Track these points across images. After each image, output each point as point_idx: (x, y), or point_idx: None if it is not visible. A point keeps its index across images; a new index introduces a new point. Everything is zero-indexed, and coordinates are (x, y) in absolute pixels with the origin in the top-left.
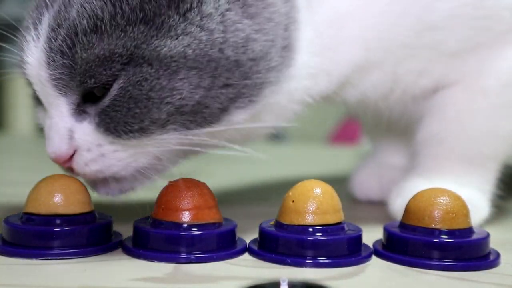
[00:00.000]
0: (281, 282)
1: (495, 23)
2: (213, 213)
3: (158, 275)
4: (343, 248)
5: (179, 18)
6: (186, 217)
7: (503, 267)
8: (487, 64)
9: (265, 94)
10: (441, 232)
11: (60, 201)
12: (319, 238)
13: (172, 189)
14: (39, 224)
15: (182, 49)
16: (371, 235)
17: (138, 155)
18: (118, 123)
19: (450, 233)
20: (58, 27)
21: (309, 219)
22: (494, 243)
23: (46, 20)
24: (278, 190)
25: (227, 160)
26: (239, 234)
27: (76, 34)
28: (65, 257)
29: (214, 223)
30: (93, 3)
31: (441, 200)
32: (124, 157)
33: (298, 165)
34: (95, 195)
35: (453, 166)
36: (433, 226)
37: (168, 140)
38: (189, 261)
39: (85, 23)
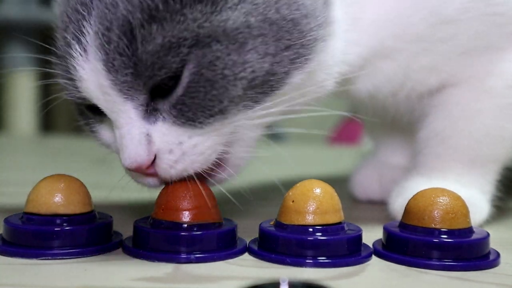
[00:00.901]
0: (281, 282)
1: (506, 21)
2: (213, 213)
3: (158, 275)
4: (343, 248)
5: None
6: (186, 217)
7: (502, 267)
8: (494, 65)
9: (317, 51)
10: (441, 232)
11: (60, 201)
12: (319, 238)
13: (172, 189)
14: (39, 224)
15: (244, 19)
16: (371, 235)
17: (216, 145)
18: (197, 109)
19: (450, 233)
20: (108, 30)
21: (309, 219)
22: (494, 243)
23: (90, 29)
24: (278, 190)
25: None
26: (239, 234)
27: (132, 30)
28: (65, 257)
29: (214, 223)
30: None
31: (441, 200)
32: (203, 150)
33: (298, 165)
34: (95, 195)
35: (455, 165)
36: (433, 226)
37: (242, 118)
38: (189, 261)
39: (138, 16)
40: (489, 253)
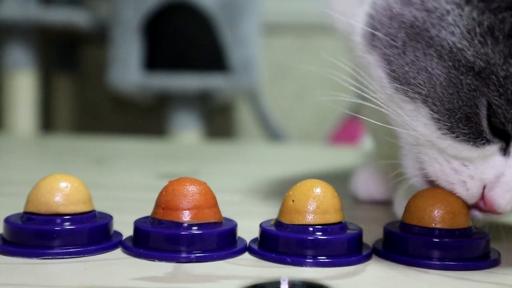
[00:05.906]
0: (281, 281)
1: None
2: (213, 213)
3: (159, 274)
4: (343, 248)
5: None
6: (186, 216)
7: (503, 267)
8: None
9: None
10: (441, 232)
11: (61, 200)
12: (319, 237)
13: (172, 189)
14: (40, 223)
15: None
16: (371, 234)
17: None
18: None
19: (450, 232)
20: None
21: (309, 219)
22: (494, 243)
23: None
24: (278, 190)
25: (227, 159)
26: (239, 234)
27: None
28: (65, 257)
29: (214, 223)
30: None
31: (441, 200)
32: None
33: (298, 165)
34: (95, 195)
35: None
36: (433, 225)
37: None
38: (189, 261)
39: None
40: (489, 253)
